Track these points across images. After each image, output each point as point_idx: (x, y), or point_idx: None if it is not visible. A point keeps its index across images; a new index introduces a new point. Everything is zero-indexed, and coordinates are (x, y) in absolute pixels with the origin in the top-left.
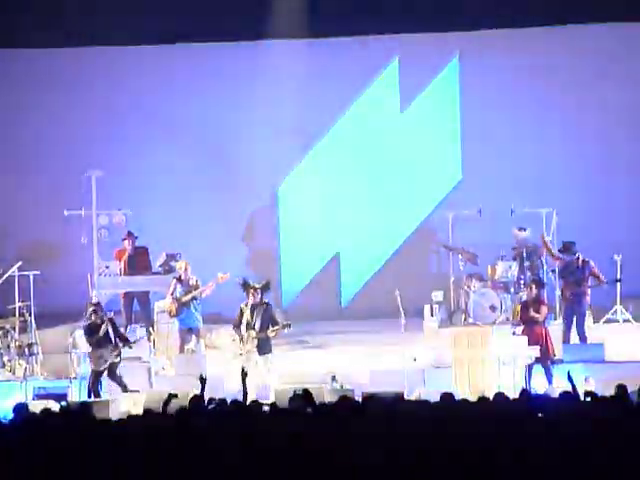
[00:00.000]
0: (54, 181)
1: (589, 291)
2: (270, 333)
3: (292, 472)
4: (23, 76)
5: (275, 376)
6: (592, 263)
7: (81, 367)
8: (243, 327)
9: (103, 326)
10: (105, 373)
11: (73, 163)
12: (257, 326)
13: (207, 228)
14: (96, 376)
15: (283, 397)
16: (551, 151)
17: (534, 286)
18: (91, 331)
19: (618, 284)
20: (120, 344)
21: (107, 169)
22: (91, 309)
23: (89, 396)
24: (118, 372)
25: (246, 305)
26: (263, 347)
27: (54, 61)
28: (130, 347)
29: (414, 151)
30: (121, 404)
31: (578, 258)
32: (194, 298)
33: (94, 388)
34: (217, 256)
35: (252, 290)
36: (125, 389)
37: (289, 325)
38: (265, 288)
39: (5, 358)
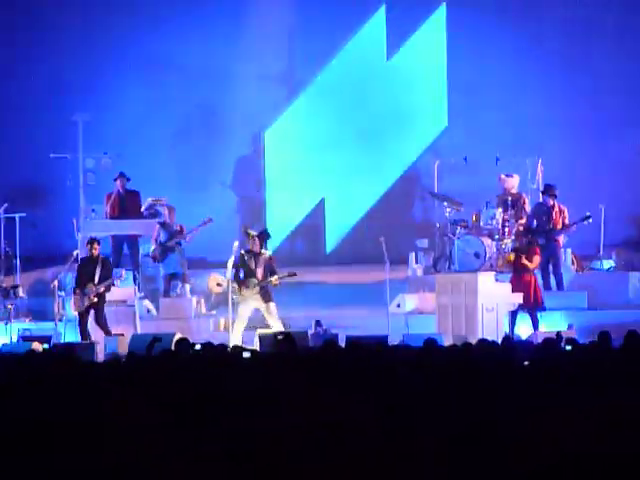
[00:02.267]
0: (41, 122)
1: (562, 237)
2: (274, 281)
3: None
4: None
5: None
6: (566, 213)
7: (66, 310)
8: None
9: (91, 264)
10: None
11: (59, 105)
12: (259, 274)
13: (192, 173)
14: (80, 318)
15: (266, 342)
16: (536, 98)
17: (528, 235)
18: (80, 268)
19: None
20: (98, 284)
21: (90, 113)
22: (88, 245)
23: (81, 338)
24: (102, 316)
25: (248, 252)
26: (265, 295)
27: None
28: (106, 288)
29: (400, 98)
30: (106, 346)
31: (553, 204)
32: (178, 243)
33: (80, 330)
34: (202, 201)
35: (250, 238)
36: (108, 334)
37: (294, 274)
38: (262, 236)
39: None
